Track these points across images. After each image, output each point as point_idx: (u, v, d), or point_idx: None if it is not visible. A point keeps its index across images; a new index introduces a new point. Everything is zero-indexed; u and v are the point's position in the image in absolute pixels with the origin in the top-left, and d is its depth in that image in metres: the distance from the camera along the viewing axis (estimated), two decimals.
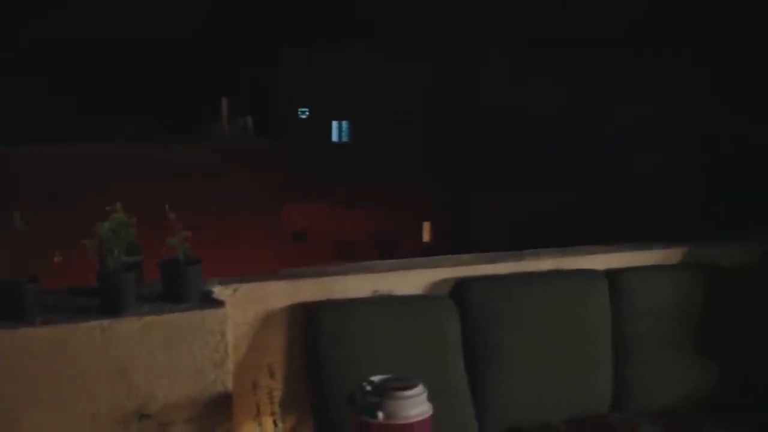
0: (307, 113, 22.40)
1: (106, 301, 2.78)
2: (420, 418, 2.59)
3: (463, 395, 3.20)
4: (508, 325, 3.29)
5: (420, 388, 2.61)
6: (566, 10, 18.52)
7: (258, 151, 18.51)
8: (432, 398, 2.64)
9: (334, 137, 22.71)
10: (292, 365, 3.14)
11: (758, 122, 15.45)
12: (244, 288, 3.09)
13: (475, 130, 20.49)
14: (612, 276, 3.55)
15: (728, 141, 16.24)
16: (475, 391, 3.24)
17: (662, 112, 17.51)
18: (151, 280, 2.97)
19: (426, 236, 21.80)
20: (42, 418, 2.68)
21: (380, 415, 2.54)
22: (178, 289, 2.88)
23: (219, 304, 2.89)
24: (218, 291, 3.01)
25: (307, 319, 3.10)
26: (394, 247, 19.98)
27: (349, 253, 18.77)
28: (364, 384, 2.63)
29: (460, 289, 3.30)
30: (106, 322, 2.73)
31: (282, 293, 3.14)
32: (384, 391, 2.58)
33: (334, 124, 22.59)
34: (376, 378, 2.66)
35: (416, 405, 2.59)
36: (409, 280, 3.31)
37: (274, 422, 2.92)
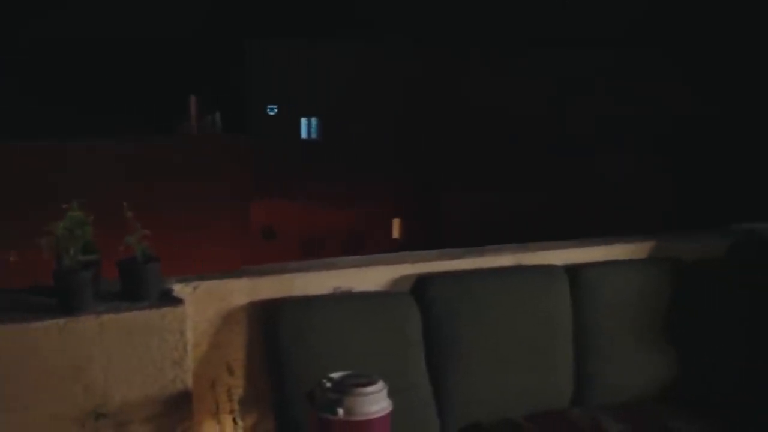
0: (276, 110, 22.32)
1: (63, 300, 2.75)
2: (380, 415, 2.59)
3: (424, 392, 3.21)
4: (469, 321, 3.30)
5: (380, 385, 2.62)
6: (541, 11, 18.62)
7: (226, 148, 18.40)
8: (393, 395, 2.65)
9: (303, 134, 22.65)
10: (252, 363, 3.13)
11: (727, 120, 15.63)
12: (204, 286, 3.08)
13: (446, 127, 20.53)
14: (572, 271, 3.57)
15: (697, 140, 16.44)
16: (436, 387, 3.25)
17: (635, 110, 17.67)
18: (110, 278, 2.95)
19: (396, 233, 21.81)
20: None
21: (340, 411, 2.55)
22: (137, 288, 2.86)
23: (178, 302, 2.87)
24: (178, 289, 2.99)
25: (267, 317, 3.09)
26: (364, 244, 19.97)
27: (318, 251, 18.74)
28: (324, 381, 2.63)
29: (421, 285, 3.30)
30: (62, 321, 2.70)
31: (242, 290, 3.13)
32: (343, 388, 2.59)
33: (303, 121, 22.52)
34: (335, 375, 2.66)
35: (376, 401, 2.59)
36: (370, 277, 3.31)
37: (234, 420, 2.91)
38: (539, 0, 19.13)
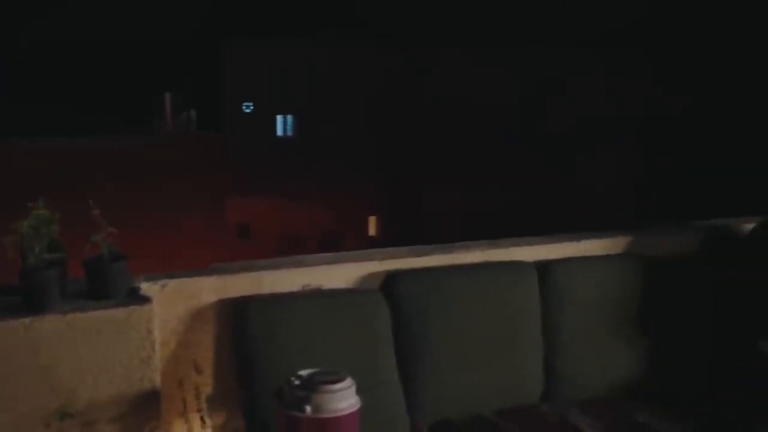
0: (252, 108, 22.25)
1: (29, 299, 2.73)
2: (348, 412, 2.59)
3: (393, 389, 3.21)
4: (438, 318, 3.31)
5: (348, 382, 2.62)
6: (518, 7, 18.66)
7: (200, 146, 18.34)
8: (362, 392, 2.65)
9: (279, 131, 22.60)
10: (221, 361, 3.12)
11: (701, 117, 15.75)
12: (173, 284, 3.06)
13: (422, 124, 20.55)
14: (542, 267, 3.58)
15: (672, 137, 16.55)
16: (405, 384, 3.25)
17: (611, 108, 17.77)
18: (77, 277, 2.93)
19: (372, 231, 21.82)
20: None
21: (308, 409, 2.54)
22: (103, 286, 2.84)
23: (145, 300, 2.86)
24: (146, 287, 2.98)
25: (236, 315, 3.08)
26: (340, 242, 19.97)
27: (294, 249, 18.71)
28: (292, 378, 2.63)
29: (390, 282, 3.30)
30: (28, 320, 2.68)
31: (211, 288, 3.12)
32: (311, 385, 2.58)
33: (279, 118, 22.47)
34: (304, 372, 2.65)
35: (344, 398, 2.59)
36: (340, 274, 3.31)
37: (202, 419, 2.90)
38: None
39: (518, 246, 3.67)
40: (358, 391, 2.62)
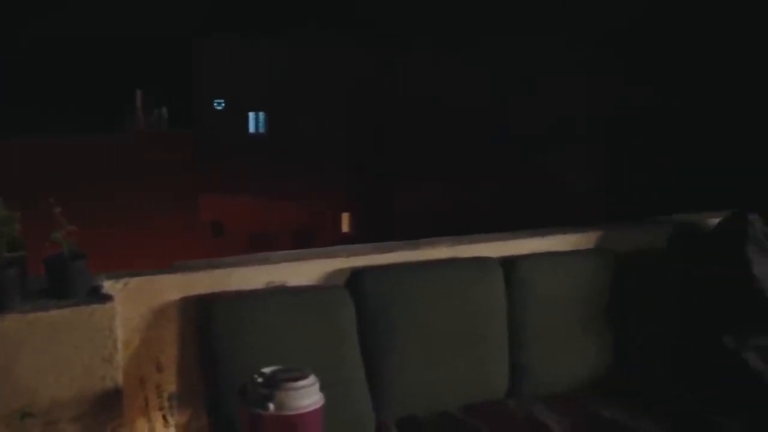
0: (223, 105, 22.17)
1: None
2: (311, 409, 2.58)
3: (359, 386, 3.21)
4: (403, 315, 3.31)
5: (311, 379, 2.61)
6: (490, 3, 18.68)
7: (172, 143, 18.25)
8: (328, 389, 2.64)
9: (251, 128, 22.52)
10: (186, 359, 3.10)
11: (672, 113, 15.87)
12: (135, 282, 3.04)
13: (395, 120, 20.55)
14: (507, 263, 3.59)
15: (643, 133, 16.66)
16: (371, 381, 3.24)
17: (581, 104, 17.84)
18: (37, 276, 2.91)
19: (345, 227, 21.81)
20: None
21: (271, 406, 2.54)
22: (64, 285, 2.81)
23: (107, 298, 2.83)
24: (108, 286, 2.96)
25: (200, 312, 3.06)
26: (314, 239, 19.94)
27: (267, 247, 18.68)
28: (255, 376, 2.62)
29: (355, 279, 3.30)
30: None
31: (175, 286, 3.10)
32: (274, 383, 2.58)
33: (251, 115, 22.40)
34: (267, 369, 2.65)
35: (307, 395, 2.58)
36: (305, 271, 3.30)
37: (164, 417, 2.88)
38: None
39: (484, 242, 3.68)
40: (324, 389, 2.62)
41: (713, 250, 3.81)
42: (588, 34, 17.01)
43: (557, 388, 3.59)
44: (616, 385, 3.64)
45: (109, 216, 15.53)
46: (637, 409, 3.42)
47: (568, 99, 17.81)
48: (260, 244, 18.99)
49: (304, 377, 2.60)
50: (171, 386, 3.04)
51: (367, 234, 18.61)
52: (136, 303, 3.03)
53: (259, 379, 2.60)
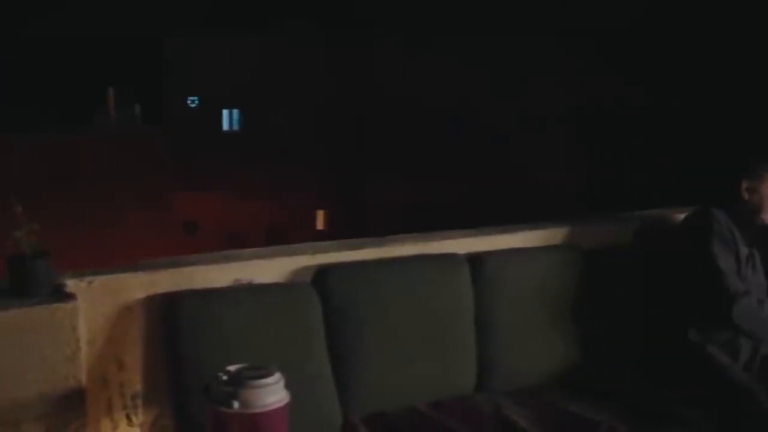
0: (197, 102, 22.04)
1: None
2: (276, 406, 2.58)
3: (326, 383, 3.20)
4: (370, 311, 3.30)
5: (276, 376, 2.60)
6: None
7: (144, 141, 18.13)
8: (295, 387, 2.63)
9: (225, 126, 22.42)
10: (151, 358, 3.08)
11: (644, 110, 15.97)
12: (100, 280, 3.01)
13: (368, 117, 20.54)
14: (474, 260, 3.60)
15: (619, 130, 16.77)
16: (338, 378, 3.24)
17: (558, 100, 17.92)
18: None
19: (320, 225, 21.78)
20: None
21: (235, 404, 2.53)
22: (26, 284, 2.79)
23: (70, 297, 2.81)
24: (72, 284, 2.93)
25: (165, 311, 3.04)
26: (288, 236, 19.87)
27: (240, 244, 18.61)
28: (220, 374, 2.61)
29: (322, 276, 3.29)
30: None
31: (140, 284, 3.07)
32: (239, 380, 2.57)
33: (225, 112, 22.30)
34: (232, 367, 2.64)
35: (272, 393, 2.58)
36: (271, 268, 3.29)
37: (128, 417, 2.86)
38: None
39: (451, 239, 3.68)
40: (290, 386, 2.61)
41: (679, 246, 3.84)
42: (561, 33, 17.08)
43: (525, 383, 3.60)
44: (583, 380, 3.66)
45: (79, 214, 15.43)
46: (604, 403, 3.43)
47: (543, 94, 17.88)
48: (234, 242, 18.91)
49: (268, 375, 2.59)
50: (135, 385, 3.02)
51: (342, 231, 18.57)
52: (101, 302, 3.00)
53: (224, 377, 2.59)
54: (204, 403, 2.62)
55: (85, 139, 17.91)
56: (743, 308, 3.55)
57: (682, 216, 4.05)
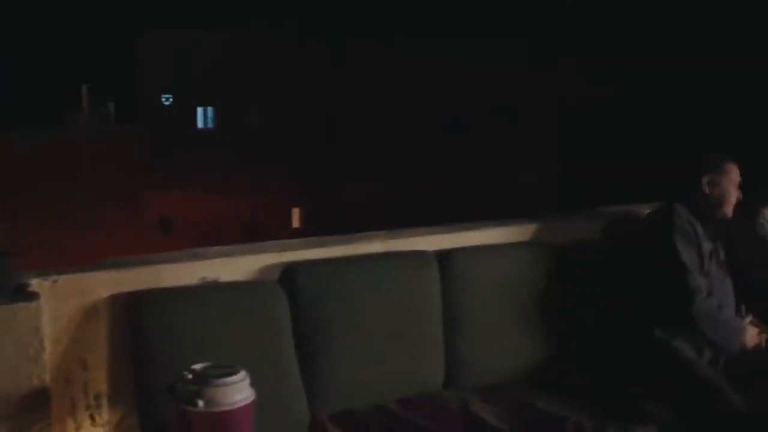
0: (171, 100, 21.93)
1: None
2: (241, 404, 2.57)
3: (293, 381, 3.19)
4: (338, 309, 3.30)
5: (241, 375, 2.60)
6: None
7: (117, 138, 18.01)
8: (262, 385, 2.63)
9: (200, 124, 22.33)
10: (116, 357, 3.05)
11: (612, 108, 16.07)
12: (64, 279, 2.98)
13: (343, 114, 20.53)
14: (443, 256, 3.60)
15: (587, 126, 16.86)
16: (306, 376, 3.23)
17: (528, 97, 17.99)
18: None
19: (296, 223, 21.73)
20: None
21: (200, 403, 2.52)
22: None
23: (32, 296, 2.79)
24: (35, 284, 2.90)
25: (131, 310, 3.02)
26: (263, 234, 19.81)
27: (215, 243, 18.51)
28: (185, 373, 2.60)
29: (289, 274, 3.28)
30: None
31: (105, 283, 3.04)
32: (204, 379, 2.56)
33: (199, 110, 22.21)
34: (197, 366, 2.63)
35: (237, 391, 2.57)
36: (238, 266, 3.27)
37: (91, 417, 2.84)
38: None
39: (419, 236, 3.68)
40: (257, 384, 2.60)
41: (643, 241, 3.86)
42: (532, 32, 17.16)
43: (493, 379, 3.61)
44: (551, 376, 3.67)
45: (52, 213, 15.30)
46: (571, 399, 3.45)
47: (515, 91, 17.95)
48: (209, 241, 18.84)
49: (234, 373, 2.58)
50: (100, 385, 2.99)
51: (317, 229, 18.53)
52: (65, 301, 2.97)
53: (189, 376, 2.58)
54: (169, 402, 2.61)
55: (58, 138, 17.77)
56: (701, 308, 3.57)
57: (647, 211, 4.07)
